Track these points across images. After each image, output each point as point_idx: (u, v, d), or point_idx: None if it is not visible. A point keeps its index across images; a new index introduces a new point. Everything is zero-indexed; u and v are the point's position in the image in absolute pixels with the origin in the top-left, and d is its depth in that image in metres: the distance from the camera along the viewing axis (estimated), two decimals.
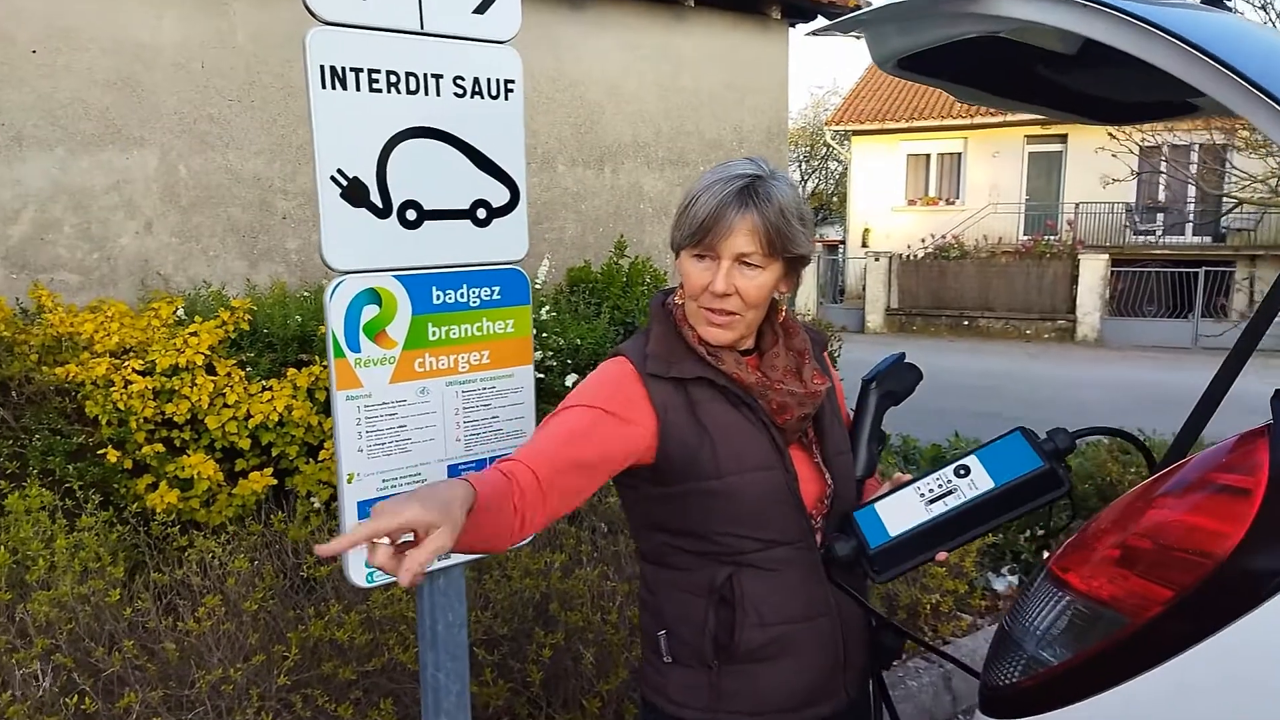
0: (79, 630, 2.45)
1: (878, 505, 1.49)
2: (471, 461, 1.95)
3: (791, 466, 1.48)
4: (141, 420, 3.57)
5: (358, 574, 1.82)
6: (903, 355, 1.70)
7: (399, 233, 1.81)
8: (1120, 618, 1.21)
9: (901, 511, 1.45)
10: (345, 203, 1.74)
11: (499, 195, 1.95)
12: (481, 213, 1.93)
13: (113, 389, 3.55)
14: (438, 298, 1.88)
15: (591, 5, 6.33)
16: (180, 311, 4.10)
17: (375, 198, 1.78)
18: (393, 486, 1.83)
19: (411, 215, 1.83)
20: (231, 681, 2.33)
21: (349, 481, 1.78)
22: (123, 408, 3.54)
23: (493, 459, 1.98)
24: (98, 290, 4.62)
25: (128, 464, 3.57)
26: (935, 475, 1.48)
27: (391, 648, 2.56)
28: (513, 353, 2.00)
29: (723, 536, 1.46)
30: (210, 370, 3.75)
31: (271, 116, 5.11)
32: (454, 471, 1.92)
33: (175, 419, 3.61)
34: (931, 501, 1.44)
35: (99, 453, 3.51)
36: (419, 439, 1.87)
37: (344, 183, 1.74)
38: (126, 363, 3.65)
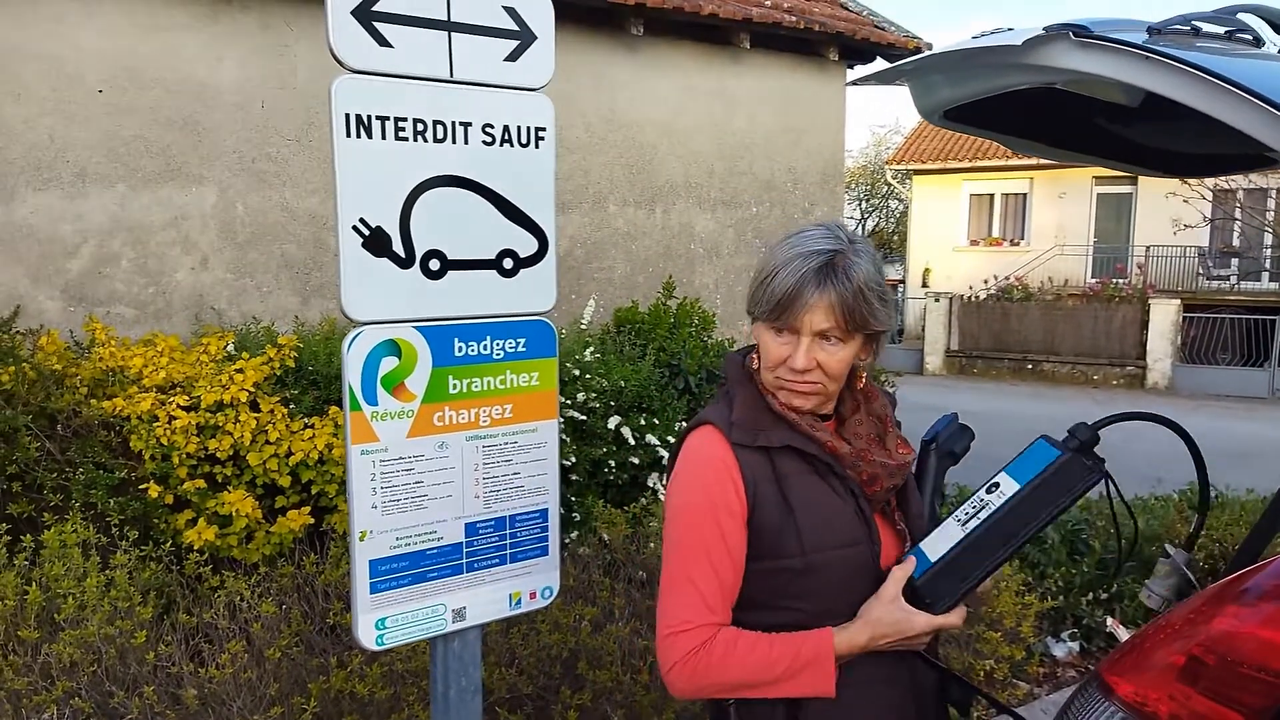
0: (101, 673, 2.42)
1: (923, 543, 1.48)
2: (490, 519, 1.87)
3: (878, 538, 1.46)
4: (184, 456, 3.59)
5: (367, 636, 1.75)
6: (955, 416, 1.68)
7: (421, 283, 1.76)
8: None
9: (942, 540, 1.45)
10: (367, 252, 1.70)
11: (527, 245, 1.89)
12: (508, 263, 1.87)
13: (157, 424, 3.58)
14: (460, 350, 1.82)
15: (647, 47, 6.34)
16: (230, 347, 4.14)
17: (398, 247, 1.73)
18: (406, 545, 1.77)
19: (435, 265, 1.78)
20: None
21: (361, 539, 1.72)
22: (166, 443, 3.57)
23: (513, 517, 1.90)
24: (153, 324, 4.70)
25: (169, 499, 3.58)
26: (970, 500, 1.48)
27: (411, 704, 2.49)
28: (537, 406, 1.94)
29: (794, 610, 1.42)
30: (254, 407, 3.76)
31: (328, 156, 5.17)
32: (471, 530, 1.85)
33: (218, 455, 3.62)
34: (967, 522, 1.44)
35: (141, 487, 3.53)
36: (436, 495, 1.81)
37: (366, 232, 1.70)
38: (172, 398, 3.68)
